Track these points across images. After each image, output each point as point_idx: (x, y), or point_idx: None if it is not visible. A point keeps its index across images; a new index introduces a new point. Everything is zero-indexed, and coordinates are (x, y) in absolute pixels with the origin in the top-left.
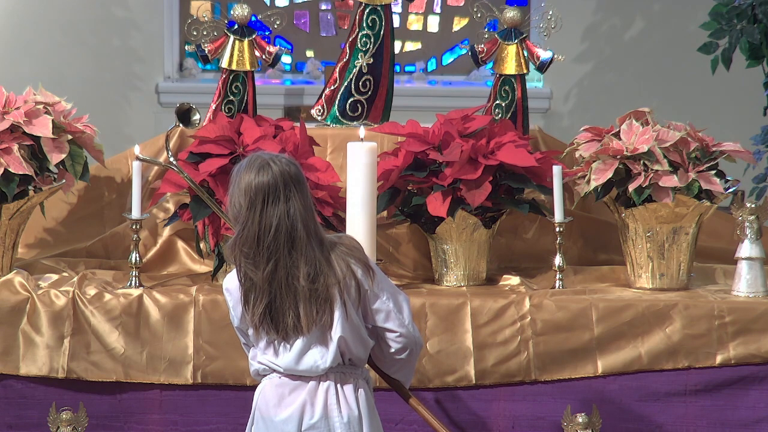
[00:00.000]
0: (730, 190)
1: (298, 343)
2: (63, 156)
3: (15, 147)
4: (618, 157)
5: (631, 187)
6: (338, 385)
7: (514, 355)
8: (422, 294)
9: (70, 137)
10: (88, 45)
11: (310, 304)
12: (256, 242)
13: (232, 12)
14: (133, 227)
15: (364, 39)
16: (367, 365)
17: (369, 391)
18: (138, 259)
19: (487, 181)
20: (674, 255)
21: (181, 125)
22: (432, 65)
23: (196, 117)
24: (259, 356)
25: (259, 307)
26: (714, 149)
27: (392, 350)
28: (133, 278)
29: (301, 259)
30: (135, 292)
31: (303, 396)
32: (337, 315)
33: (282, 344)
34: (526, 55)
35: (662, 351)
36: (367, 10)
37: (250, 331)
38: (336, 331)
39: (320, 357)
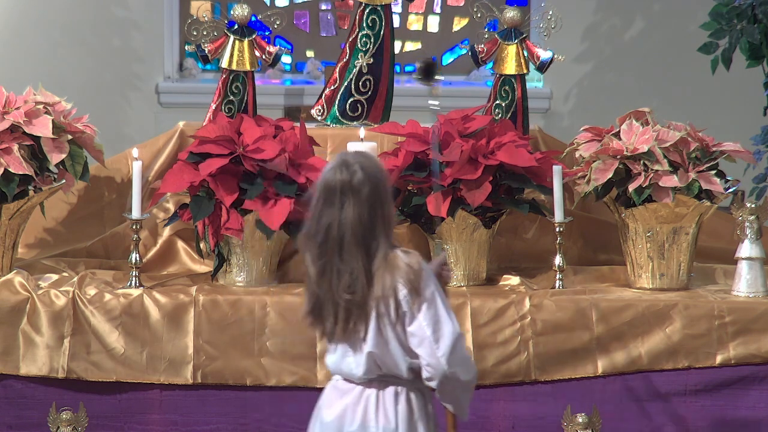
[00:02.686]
0: (730, 190)
1: (340, 346)
2: (63, 156)
3: (15, 147)
4: (618, 157)
5: (631, 187)
6: (380, 395)
7: (514, 355)
8: None
9: (70, 137)
10: (88, 45)
11: (347, 315)
12: (313, 236)
13: (232, 12)
14: (133, 227)
15: (364, 39)
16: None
17: (418, 403)
18: (138, 259)
19: (487, 181)
20: (674, 255)
21: (423, 80)
22: None
23: (441, 78)
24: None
25: (311, 301)
26: (714, 149)
27: (423, 375)
28: (133, 278)
29: (346, 269)
30: (135, 292)
31: (347, 402)
32: (370, 330)
33: (331, 344)
34: (526, 55)
35: (662, 351)
36: (367, 10)
37: None
38: (367, 346)
39: (355, 365)
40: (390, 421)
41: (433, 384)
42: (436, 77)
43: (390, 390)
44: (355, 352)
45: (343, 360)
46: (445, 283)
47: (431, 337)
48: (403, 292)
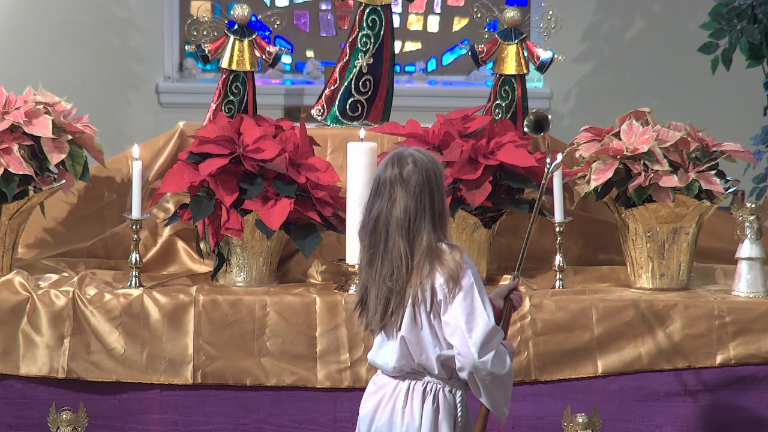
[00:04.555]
0: (730, 190)
1: (379, 336)
2: (63, 156)
3: (15, 147)
4: (618, 157)
5: (631, 187)
6: (410, 391)
7: (515, 355)
8: None
9: (70, 137)
10: (88, 45)
11: (386, 303)
12: (363, 227)
13: (232, 12)
14: (133, 227)
15: (364, 39)
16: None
17: (446, 403)
18: (138, 259)
19: (487, 181)
20: (674, 255)
21: (533, 132)
22: (432, 65)
23: (549, 125)
24: None
25: (360, 291)
26: (714, 149)
27: (455, 366)
28: (133, 278)
29: (388, 257)
30: (135, 292)
31: (379, 397)
32: (405, 316)
33: (373, 335)
34: (526, 55)
35: (662, 351)
36: (367, 10)
37: None
38: (401, 332)
39: (390, 354)
40: (415, 418)
41: (464, 375)
42: (547, 130)
43: (420, 387)
44: (390, 339)
45: (380, 350)
46: (514, 309)
47: (464, 327)
48: (440, 280)
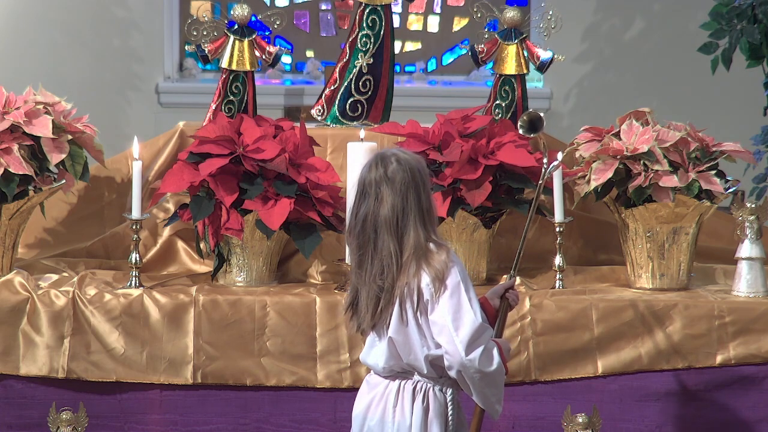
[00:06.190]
0: (730, 190)
1: (370, 337)
2: (63, 156)
3: (15, 147)
4: (618, 157)
5: (631, 187)
6: (401, 390)
7: (514, 355)
8: None
9: (70, 137)
10: (88, 45)
11: (376, 302)
12: (350, 231)
13: (232, 12)
14: (133, 227)
15: (364, 39)
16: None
17: (437, 402)
18: (138, 259)
19: (487, 181)
20: (674, 255)
21: (527, 132)
22: (432, 65)
23: (543, 124)
24: None
25: (351, 293)
26: (714, 149)
27: (444, 365)
28: (133, 278)
29: (377, 257)
30: (135, 292)
31: (371, 396)
32: (393, 316)
33: (364, 336)
34: (526, 55)
35: (662, 351)
36: (367, 10)
37: None
38: (389, 333)
39: (380, 354)
40: (406, 417)
41: (452, 373)
42: (541, 130)
43: (410, 386)
44: (380, 339)
45: (370, 351)
46: (510, 308)
47: (451, 325)
48: (426, 280)
